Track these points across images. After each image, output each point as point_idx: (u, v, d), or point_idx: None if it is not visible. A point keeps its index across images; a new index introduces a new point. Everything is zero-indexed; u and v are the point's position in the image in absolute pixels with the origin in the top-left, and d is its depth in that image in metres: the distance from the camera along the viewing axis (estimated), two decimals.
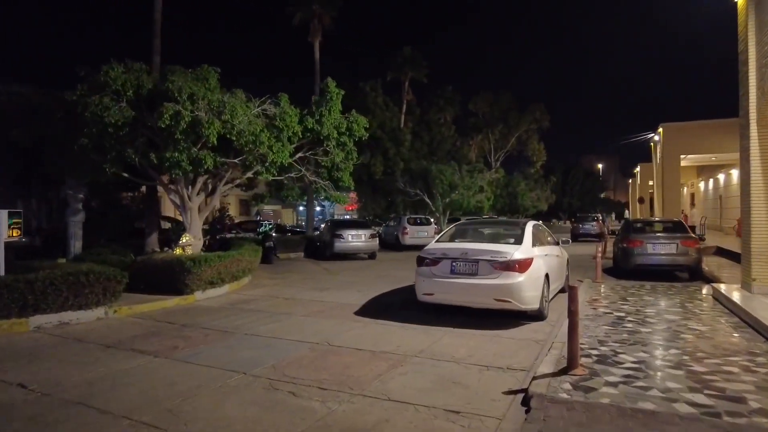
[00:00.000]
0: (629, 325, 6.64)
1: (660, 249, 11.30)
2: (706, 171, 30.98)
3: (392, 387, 4.59)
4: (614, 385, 4.27)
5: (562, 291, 9.65)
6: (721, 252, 17.48)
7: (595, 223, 29.44)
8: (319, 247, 18.64)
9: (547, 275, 7.49)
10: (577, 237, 29.04)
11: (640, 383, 4.31)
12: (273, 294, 10.20)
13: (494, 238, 8.09)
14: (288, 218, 53.28)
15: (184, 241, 11.43)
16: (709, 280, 11.22)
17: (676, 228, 12.19)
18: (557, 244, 9.43)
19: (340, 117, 11.66)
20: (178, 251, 11.36)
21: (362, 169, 29.51)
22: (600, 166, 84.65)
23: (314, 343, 6.21)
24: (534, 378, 4.52)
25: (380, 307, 8.59)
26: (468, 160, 31.94)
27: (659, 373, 4.59)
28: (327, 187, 12.77)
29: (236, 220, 30.53)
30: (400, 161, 28.95)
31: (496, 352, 5.73)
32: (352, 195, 39.57)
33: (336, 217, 40.27)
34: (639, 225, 13.40)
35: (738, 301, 7.25)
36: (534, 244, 7.55)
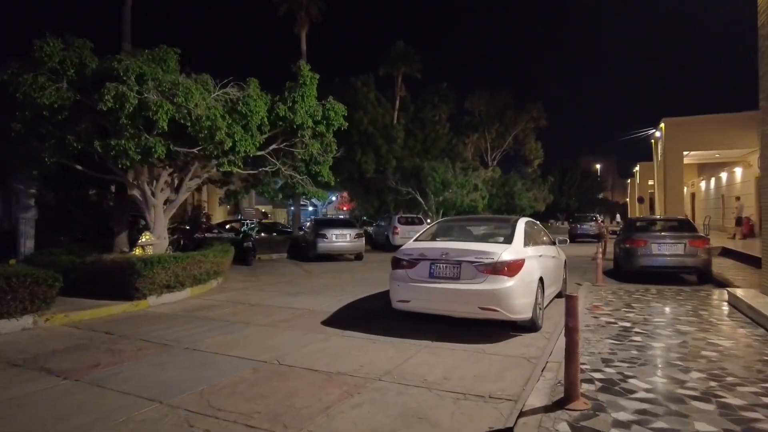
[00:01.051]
0: (637, 338, 5.63)
1: (666, 249, 10.31)
2: (707, 170, 30.05)
3: (339, 426, 3.57)
4: (626, 426, 3.26)
5: (559, 296, 8.67)
6: (727, 253, 16.53)
7: (593, 223, 28.50)
8: (303, 248, 17.62)
9: (541, 279, 6.49)
10: (575, 237, 28.10)
11: (659, 423, 3.30)
12: (238, 299, 9.17)
13: (481, 237, 7.09)
14: (281, 218, 52.23)
15: (143, 240, 10.40)
16: (720, 283, 10.24)
17: (683, 227, 11.21)
18: (553, 243, 8.44)
19: (315, 104, 10.64)
20: (137, 252, 10.34)
21: (353, 167, 28.59)
22: (598, 166, 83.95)
23: (261, 362, 5.19)
24: (521, 414, 3.52)
25: (353, 316, 7.58)
26: (463, 159, 30.93)
27: (683, 408, 3.58)
28: (304, 182, 11.74)
29: (222, 220, 29.48)
30: (393, 159, 27.93)
31: (478, 373, 4.72)
32: (344, 194, 38.66)
33: (329, 217, 39.19)
34: (642, 223, 12.41)
35: (762, 310, 6.25)
36: (526, 244, 6.55)
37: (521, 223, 6.90)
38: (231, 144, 8.76)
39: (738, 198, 26.21)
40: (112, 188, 13.84)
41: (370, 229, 25.50)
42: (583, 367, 4.39)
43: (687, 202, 33.26)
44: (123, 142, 7.78)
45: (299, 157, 11.36)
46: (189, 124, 8.10)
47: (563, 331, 3.77)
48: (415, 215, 22.27)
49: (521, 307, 5.85)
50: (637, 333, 5.87)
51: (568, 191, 62.45)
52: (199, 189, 13.23)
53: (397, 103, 31.64)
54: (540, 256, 6.79)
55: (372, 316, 7.41)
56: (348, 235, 16.20)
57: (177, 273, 8.83)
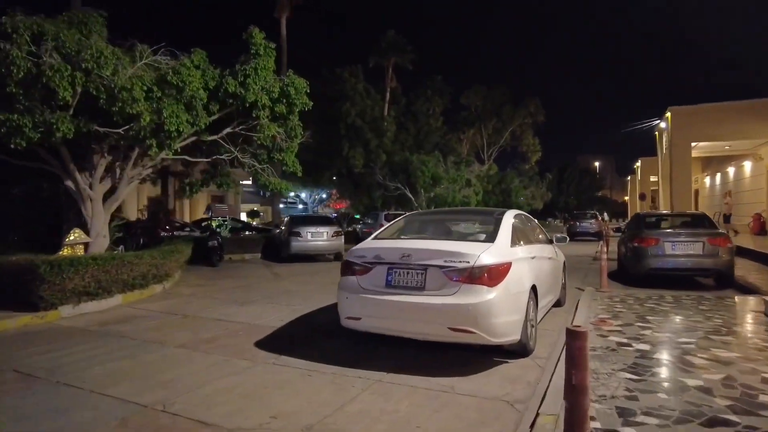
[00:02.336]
0: (662, 370, 4.17)
1: (681, 249, 8.85)
2: (713, 164, 28.63)
3: None
4: None
5: (557, 304, 7.23)
6: (740, 252, 15.09)
7: (593, 220, 27.03)
8: (277, 247, 16.12)
9: (534, 288, 5.04)
10: (574, 236, 26.64)
11: None
12: (175, 309, 7.69)
13: (458, 234, 5.61)
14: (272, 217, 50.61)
15: (71, 238, 8.90)
16: (743, 288, 8.79)
17: (700, 222, 9.74)
18: (550, 242, 6.98)
19: (272, 79, 9.12)
20: (65, 252, 8.85)
21: (341, 161, 27.11)
22: (597, 164, 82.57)
23: (141, 407, 3.71)
24: None
25: (300, 333, 6.11)
26: (457, 154, 29.44)
27: None
28: (266, 171, 10.25)
29: (200, 217, 27.94)
30: (383, 153, 26.45)
31: (441, 429, 3.25)
32: (334, 192, 37.13)
33: (307, 214, 37.49)
34: (653, 219, 10.94)
35: None
36: (515, 243, 5.08)
37: (509, 217, 5.43)
38: (154, 121, 7.25)
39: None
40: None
41: (359, 227, 24.05)
42: (594, 426, 2.92)
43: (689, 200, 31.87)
44: (16, 116, 6.30)
45: (258, 142, 9.86)
46: (103, 96, 6.61)
47: (562, 354, 2.42)
48: (404, 212, 20.78)
49: (506, 327, 4.39)
50: (660, 361, 4.40)
51: (566, 189, 61.02)
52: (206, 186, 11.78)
53: (388, 95, 30.18)
54: (533, 258, 5.33)
55: (323, 334, 5.93)
56: (325, 234, 14.71)
57: (98, 278, 7.35)
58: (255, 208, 49.15)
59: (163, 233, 16.01)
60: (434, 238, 5.31)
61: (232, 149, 9.96)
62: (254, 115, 9.08)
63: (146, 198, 28.27)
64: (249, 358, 4.98)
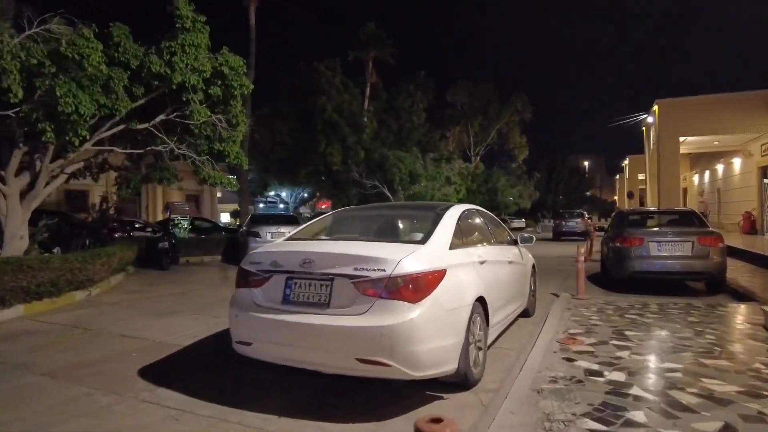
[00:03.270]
0: (640, 415, 3.12)
1: (668, 250, 7.87)
2: (702, 161, 27.88)
3: None
4: None
5: (524, 314, 6.23)
6: (729, 252, 14.21)
7: (579, 219, 26.18)
8: (237, 249, 14.99)
9: (482, 301, 4.00)
10: (560, 235, 25.81)
11: None
12: (82, 322, 6.56)
13: (390, 234, 4.54)
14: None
15: None
16: (737, 293, 7.83)
17: (688, 220, 8.78)
18: (514, 243, 5.95)
19: (204, 57, 8.00)
20: None
21: (318, 159, 26.00)
22: (586, 163, 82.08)
23: None
24: None
25: (202, 356, 5.03)
26: (439, 152, 28.42)
27: None
28: (204, 164, 9.14)
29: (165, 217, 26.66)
30: (361, 150, 25.36)
31: None
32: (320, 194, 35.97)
33: (271, 213, 35.98)
34: (637, 217, 9.98)
35: None
36: (457, 245, 4.03)
37: (453, 213, 4.38)
38: (43, 101, 6.13)
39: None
40: None
41: None
42: None
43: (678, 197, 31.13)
44: None
45: (195, 131, 8.75)
46: None
47: (517, 384, 1.41)
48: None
49: (435, 356, 3.34)
50: (638, 400, 3.36)
51: (555, 188, 60.34)
52: (149, 181, 10.57)
53: (368, 90, 29.10)
54: (482, 262, 4.28)
55: (226, 357, 4.84)
56: (287, 234, 13.57)
57: None
58: (238, 208, 47.84)
59: (118, 234, 14.88)
60: (352, 239, 4.25)
61: (166, 139, 8.82)
62: (185, 99, 7.96)
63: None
64: (118, 392, 3.89)
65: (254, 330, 3.62)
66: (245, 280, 3.84)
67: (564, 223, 26.14)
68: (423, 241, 3.72)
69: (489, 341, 4.45)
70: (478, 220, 5.06)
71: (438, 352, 3.34)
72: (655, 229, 8.52)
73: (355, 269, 3.31)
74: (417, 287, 3.27)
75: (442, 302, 3.39)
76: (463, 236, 4.26)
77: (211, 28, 8.25)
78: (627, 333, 5.18)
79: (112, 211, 14.12)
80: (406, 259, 3.33)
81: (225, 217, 39.64)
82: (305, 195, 35.85)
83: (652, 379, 3.74)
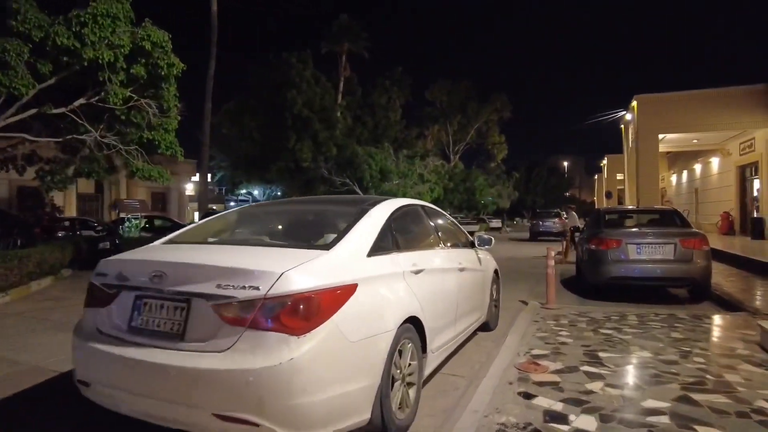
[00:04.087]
0: None
1: (648, 253, 7.07)
2: (680, 161, 27.53)
3: None
4: None
5: (484, 328, 5.35)
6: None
7: (556, 219, 25.54)
8: None
9: (416, 322, 3.08)
10: (536, 235, 25.16)
11: None
12: None
13: (291, 235, 3.56)
14: None
15: None
16: (722, 301, 7.05)
17: (670, 220, 8.01)
18: (471, 246, 5.05)
19: (123, 30, 6.91)
20: None
21: (288, 155, 24.91)
22: (566, 164, 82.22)
23: None
24: None
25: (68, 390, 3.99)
26: (413, 149, 27.55)
27: None
28: (132, 155, 8.06)
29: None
30: (333, 146, 24.35)
31: None
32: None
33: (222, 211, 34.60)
34: (614, 216, 9.19)
35: None
36: (381, 249, 3.09)
37: (382, 210, 3.42)
38: None
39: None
40: None
41: None
42: None
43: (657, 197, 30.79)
44: None
45: (122, 117, 7.67)
46: None
47: None
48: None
49: (333, 408, 2.38)
50: None
51: (534, 188, 60.05)
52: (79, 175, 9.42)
53: (342, 84, 28.10)
54: (418, 272, 3.35)
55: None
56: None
57: None
58: (214, 207, 46.28)
59: (61, 233, 13.65)
60: (234, 243, 3.27)
61: (89, 127, 7.72)
62: (101, 79, 6.88)
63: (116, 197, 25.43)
64: None
65: (92, 366, 2.62)
66: (91, 296, 2.84)
67: (541, 223, 25.51)
68: (329, 246, 2.76)
69: (429, 371, 3.53)
70: (419, 219, 4.12)
71: (338, 402, 2.39)
72: (635, 229, 7.71)
73: (218, 286, 2.34)
74: (307, 312, 2.31)
75: (346, 331, 2.44)
76: (393, 239, 3.32)
77: (174, 19, 7.25)
78: (601, 355, 4.30)
79: (49, 209, 12.88)
80: (292, 271, 2.36)
81: (195, 217, 38.22)
82: (278, 193, 34.70)
83: (631, 428, 2.84)
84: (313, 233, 3.33)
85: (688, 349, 4.47)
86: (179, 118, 8.38)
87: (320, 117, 24.47)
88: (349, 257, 2.74)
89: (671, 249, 6.95)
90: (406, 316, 2.98)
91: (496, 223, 42.50)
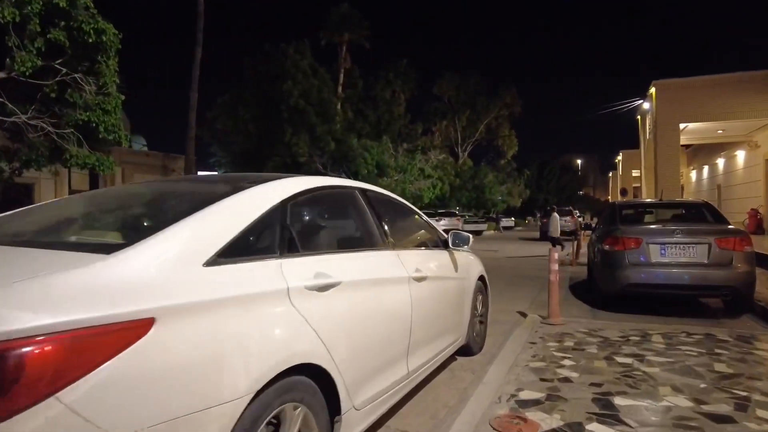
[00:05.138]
0: None
1: (676, 255, 5.74)
2: (700, 156, 25.91)
3: None
4: None
5: (465, 352, 4.12)
6: None
7: (569, 218, 24.09)
8: None
9: (316, 372, 1.85)
10: (546, 235, 23.74)
11: None
12: None
13: (113, 229, 2.31)
14: None
15: None
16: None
17: (700, 215, 6.67)
18: (443, 246, 3.80)
19: None
20: None
21: (284, 150, 23.79)
22: (579, 162, 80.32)
23: None
24: None
25: None
26: (416, 143, 26.25)
27: None
28: (66, 139, 6.92)
29: None
30: (331, 141, 23.15)
31: None
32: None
33: None
34: (632, 211, 7.85)
35: None
36: (244, 253, 1.84)
37: (264, 192, 2.15)
38: None
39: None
40: None
41: None
42: None
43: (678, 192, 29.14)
44: None
45: (48, 93, 6.52)
46: None
47: None
48: None
49: None
50: None
51: (546, 186, 58.47)
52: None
53: (342, 76, 26.89)
54: (323, 288, 2.09)
55: None
56: None
57: None
58: None
59: None
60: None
61: (14, 108, 6.59)
62: (9, 45, 5.73)
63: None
64: None
65: None
66: None
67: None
68: (116, 248, 1.52)
69: None
70: (348, 209, 2.86)
71: None
72: (657, 226, 6.36)
73: None
74: (4, 379, 1.09)
75: (104, 413, 1.21)
76: (285, 237, 2.08)
77: (169, 9, 6.11)
78: (618, 402, 3.01)
79: None
80: None
81: None
82: None
83: None
84: (139, 227, 2.08)
85: (743, 392, 3.17)
86: (122, 97, 7.23)
87: (318, 110, 23.29)
88: (154, 268, 1.50)
89: (704, 250, 5.62)
90: (287, 366, 1.74)
91: (507, 221, 41.04)
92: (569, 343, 4.43)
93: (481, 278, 4.56)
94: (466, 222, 29.59)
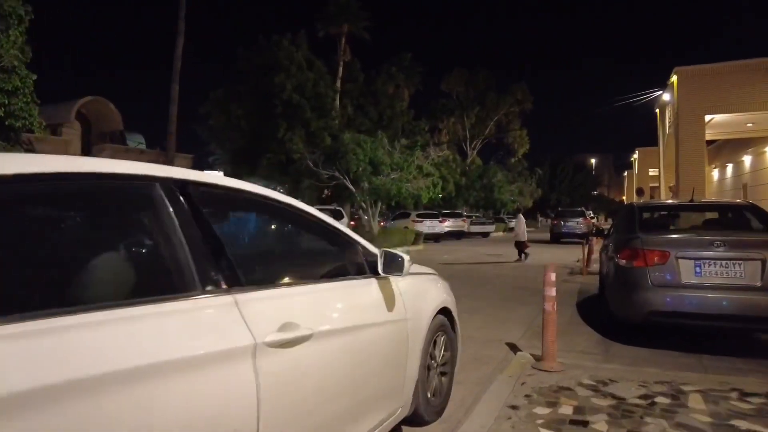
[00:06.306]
0: None
1: (715, 273, 4.31)
2: (724, 153, 24.15)
3: None
4: None
5: (414, 420, 2.70)
6: None
7: (581, 219, 22.55)
8: None
9: None
10: (558, 237, 22.24)
11: None
12: None
13: None
14: None
15: None
16: None
17: (742, 221, 5.22)
18: (371, 272, 2.44)
19: None
20: None
21: (279, 146, 22.58)
22: (593, 161, 78.19)
23: None
24: None
25: None
26: (415, 138, 24.84)
27: None
28: None
29: None
30: (328, 136, 21.90)
31: None
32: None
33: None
34: (654, 215, 6.39)
35: None
36: None
37: None
38: None
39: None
40: None
41: None
42: None
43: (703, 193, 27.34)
44: None
45: None
46: None
47: None
48: (333, 207, 16.26)
49: None
50: None
51: (559, 186, 56.59)
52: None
53: (341, 70, 25.57)
54: None
55: None
56: None
57: None
58: None
59: None
60: None
61: None
62: None
63: None
64: None
65: None
66: None
67: (563, 223, 22.56)
68: None
69: None
70: (116, 218, 1.53)
71: None
72: (690, 236, 4.90)
73: None
74: None
75: None
76: None
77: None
78: None
79: None
80: None
81: None
82: (280, 189, 32.47)
83: None
84: None
85: None
86: (34, 76, 6.00)
87: (313, 104, 22.03)
88: None
89: (756, 268, 4.18)
90: None
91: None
92: (566, 410, 3.04)
93: (444, 311, 3.20)
94: (472, 223, 28.13)
